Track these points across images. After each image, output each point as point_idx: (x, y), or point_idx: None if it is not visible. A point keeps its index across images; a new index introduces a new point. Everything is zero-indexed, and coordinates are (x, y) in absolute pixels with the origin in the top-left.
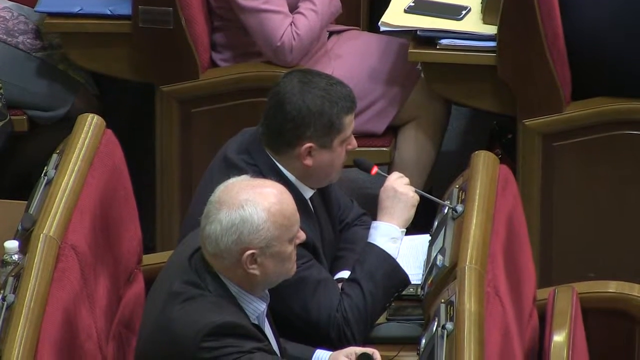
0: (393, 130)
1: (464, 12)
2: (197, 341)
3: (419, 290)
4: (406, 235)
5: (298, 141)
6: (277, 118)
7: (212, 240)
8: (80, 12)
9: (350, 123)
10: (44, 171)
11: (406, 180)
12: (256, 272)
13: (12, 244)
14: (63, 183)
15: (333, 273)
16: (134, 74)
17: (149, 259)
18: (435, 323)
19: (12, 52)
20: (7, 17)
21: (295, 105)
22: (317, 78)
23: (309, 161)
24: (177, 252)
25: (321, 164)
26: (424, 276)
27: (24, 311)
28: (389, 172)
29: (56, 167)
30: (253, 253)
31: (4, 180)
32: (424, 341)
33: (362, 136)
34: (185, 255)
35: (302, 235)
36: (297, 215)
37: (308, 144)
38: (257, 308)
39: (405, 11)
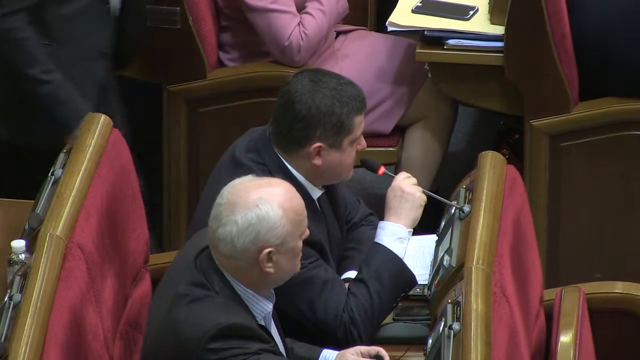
0: (400, 130)
1: (471, 13)
2: (204, 343)
3: (426, 290)
4: (413, 235)
5: (307, 141)
6: (286, 117)
7: (227, 242)
8: None
9: (360, 123)
10: (51, 170)
11: (413, 180)
12: (271, 270)
13: (19, 244)
14: (70, 182)
15: (340, 273)
16: (142, 74)
17: (156, 258)
18: (442, 323)
19: None
20: None
21: (305, 104)
22: (327, 78)
23: (318, 161)
24: (182, 253)
25: (330, 164)
26: (431, 276)
27: (30, 310)
28: (396, 172)
29: (63, 167)
30: (270, 251)
31: (11, 179)
32: (430, 341)
33: (370, 136)
34: (191, 256)
35: (306, 232)
36: (305, 211)
37: (317, 144)
38: (264, 308)
39: (413, 11)
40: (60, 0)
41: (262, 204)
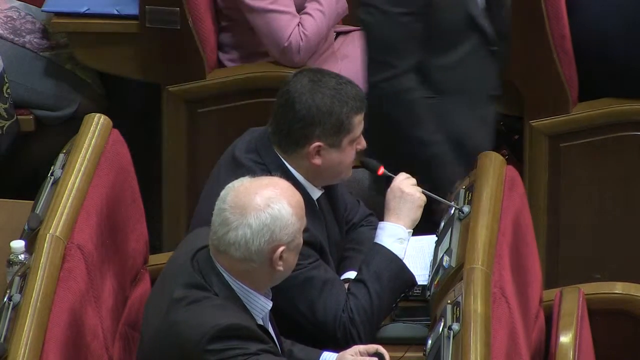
0: None
1: None
2: (203, 344)
3: (425, 291)
4: (412, 235)
5: (307, 140)
6: (286, 117)
7: (240, 245)
8: (87, 11)
9: (359, 123)
10: (51, 171)
11: (413, 180)
12: (281, 268)
13: (18, 244)
14: (69, 183)
15: (339, 273)
16: (141, 74)
17: (155, 258)
18: (442, 324)
19: (19, 52)
20: (15, 17)
21: (305, 104)
22: (327, 77)
23: (317, 160)
24: (177, 253)
25: (330, 164)
26: (431, 277)
27: (30, 311)
28: (395, 173)
29: (63, 167)
30: (283, 249)
31: (10, 180)
32: (430, 342)
33: None
34: (187, 256)
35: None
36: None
37: (317, 143)
38: (264, 307)
39: None
40: (442, 52)
41: (273, 203)
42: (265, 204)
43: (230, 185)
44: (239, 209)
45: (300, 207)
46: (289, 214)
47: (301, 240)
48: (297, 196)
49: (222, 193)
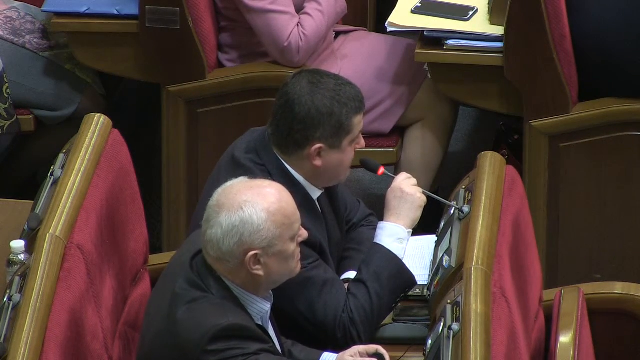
0: (400, 131)
1: (470, 13)
2: (203, 344)
3: (425, 290)
4: (412, 235)
5: (307, 142)
6: (286, 119)
7: (214, 244)
8: (87, 11)
9: (359, 123)
10: (51, 171)
11: (413, 181)
12: (260, 272)
13: (18, 244)
14: (69, 183)
15: (339, 273)
16: (141, 74)
17: (155, 258)
18: (442, 324)
19: (18, 52)
20: (14, 17)
21: (305, 106)
22: (326, 79)
23: (318, 161)
24: (178, 254)
25: (330, 164)
26: (430, 277)
27: (29, 311)
28: (395, 173)
29: (63, 167)
30: (256, 254)
31: (10, 180)
32: (430, 342)
33: (369, 136)
34: (187, 257)
35: (304, 233)
36: (298, 214)
37: (317, 145)
38: (262, 309)
39: (412, 12)
40: None
41: (247, 206)
42: (238, 206)
43: (225, 184)
44: (218, 207)
45: (283, 215)
46: (260, 220)
47: (288, 248)
48: (284, 204)
49: (215, 191)
